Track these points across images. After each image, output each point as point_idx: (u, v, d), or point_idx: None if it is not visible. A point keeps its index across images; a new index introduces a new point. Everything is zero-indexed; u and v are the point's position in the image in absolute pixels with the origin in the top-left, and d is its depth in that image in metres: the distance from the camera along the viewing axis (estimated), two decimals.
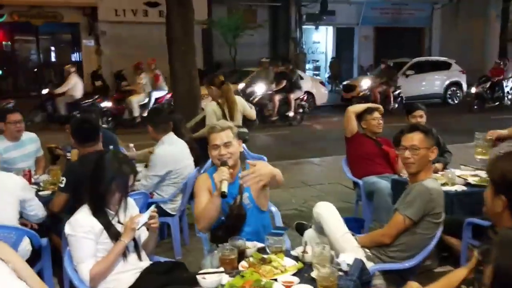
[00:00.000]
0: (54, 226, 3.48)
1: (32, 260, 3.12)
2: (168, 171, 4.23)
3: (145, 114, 11.65)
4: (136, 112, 11.83)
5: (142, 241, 2.71)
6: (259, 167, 2.73)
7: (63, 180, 3.48)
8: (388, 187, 4.31)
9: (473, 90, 14.27)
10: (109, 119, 11.62)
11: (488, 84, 14.29)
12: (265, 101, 12.24)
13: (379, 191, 4.35)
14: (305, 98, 12.96)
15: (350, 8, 19.77)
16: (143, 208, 3.55)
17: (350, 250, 2.75)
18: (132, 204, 2.78)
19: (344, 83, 16.36)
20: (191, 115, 6.53)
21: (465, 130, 7.94)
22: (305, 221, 3.92)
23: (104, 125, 10.12)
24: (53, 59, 17.82)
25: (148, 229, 2.69)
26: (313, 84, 14.88)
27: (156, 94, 12.13)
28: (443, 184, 3.78)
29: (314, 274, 2.23)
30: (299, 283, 2.19)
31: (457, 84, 16.13)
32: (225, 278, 2.23)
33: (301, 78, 13.34)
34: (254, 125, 6.95)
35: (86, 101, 11.76)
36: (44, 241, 3.29)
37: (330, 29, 20.74)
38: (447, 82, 16.04)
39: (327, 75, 20.36)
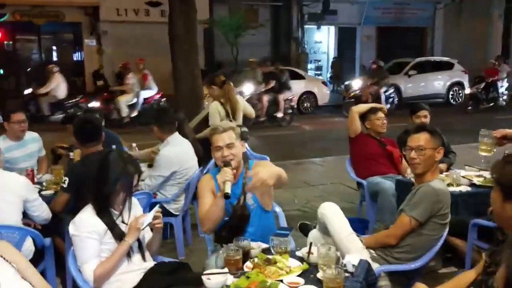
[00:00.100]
0: (54, 226, 3.47)
1: (35, 260, 3.09)
2: (173, 171, 4.22)
3: (134, 115, 11.71)
4: (124, 113, 11.72)
5: (146, 241, 2.70)
6: (261, 170, 2.69)
7: (65, 180, 3.47)
8: (392, 187, 4.28)
9: (467, 91, 14.15)
10: None
11: (482, 85, 14.15)
12: (253, 101, 11.81)
13: (383, 192, 4.32)
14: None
15: (352, 8, 19.71)
16: (146, 208, 3.54)
17: (355, 251, 2.73)
18: (136, 204, 2.76)
19: (346, 83, 16.34)
20: (193, 114, 6.48)
21: (468, 130, 7.89)
22: (308, 222, 3.91)
23: None
24: (55, 58, 17.80)
25: (152, 230, 2.67)
26: (315, 84, 14.84)
27: (144, 94, 12.00)
28: (448, 185, 3.75)
29: (320, 275, 2.22)
30: (305, 284, 2.17)
31: (460, 84, 16.06)
32: (230, 279, 2.22)
33: (303, 77, 13.25)
34: (250, 123, 6.88)
35: (70, 101, 11.69)
36: (47, 241, 3.28)
37: (332, 28, 20.66)
38: (449, 82, 15.99)
39: (329, 75, 20.33)
